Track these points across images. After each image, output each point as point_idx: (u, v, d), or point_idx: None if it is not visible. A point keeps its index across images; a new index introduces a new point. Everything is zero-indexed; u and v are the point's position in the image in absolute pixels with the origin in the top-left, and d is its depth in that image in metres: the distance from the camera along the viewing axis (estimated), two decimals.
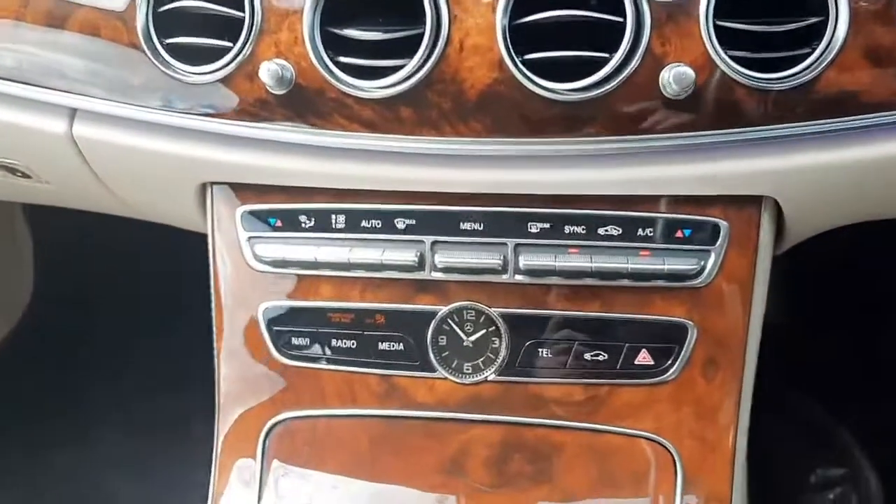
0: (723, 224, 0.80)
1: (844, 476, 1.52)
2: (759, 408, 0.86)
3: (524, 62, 0.72)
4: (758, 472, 0.88)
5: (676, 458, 0.81)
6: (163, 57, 0.78)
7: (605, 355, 0.81)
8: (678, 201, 0.80)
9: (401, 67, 0.73)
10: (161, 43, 0.78)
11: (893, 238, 1.22)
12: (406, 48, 0.73)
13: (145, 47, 0.78)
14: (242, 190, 0.86)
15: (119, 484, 1.61)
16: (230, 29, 0.76)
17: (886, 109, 0.72)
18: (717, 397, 0.82)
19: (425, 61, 0.73)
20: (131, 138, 0.83)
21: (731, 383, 0.82)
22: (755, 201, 0.80)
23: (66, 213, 1.11)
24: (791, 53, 0.71)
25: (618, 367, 0.81)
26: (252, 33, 0.75)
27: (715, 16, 0.70)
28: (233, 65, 0.76)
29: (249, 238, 0.86)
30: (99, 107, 0.82)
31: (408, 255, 0.81)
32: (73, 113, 0.84)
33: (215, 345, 0.89)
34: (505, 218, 0.81)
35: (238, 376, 0.87)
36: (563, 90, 0.72)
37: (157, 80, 0.79)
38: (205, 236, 0.90)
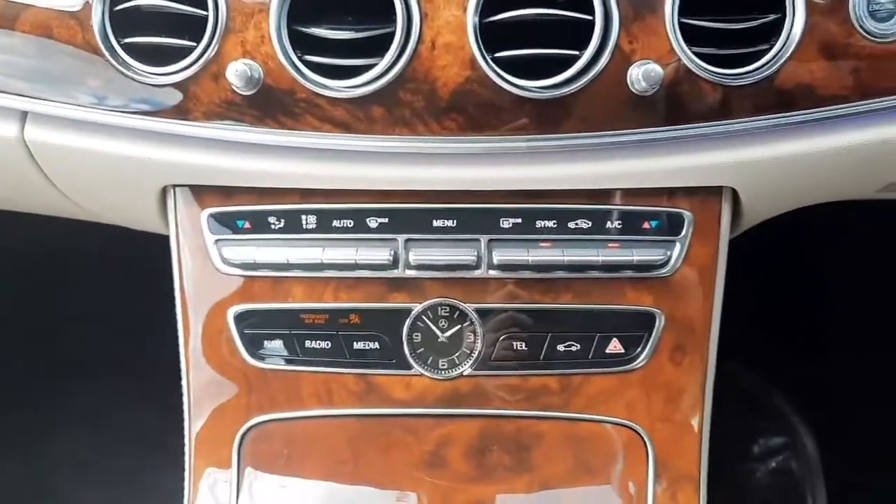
0: (687, 215, 0.82)
1: (785, 444, 1.60)
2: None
3: (496, 60, 0.72)
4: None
5: (648, 442, 0.83)
6: (121, 58, 0.75)
7: (578, 345, 0.83)
8: (645, 194, 0.82)
9: (372, 66, 0.73)
10: (119, 43, 0.75)
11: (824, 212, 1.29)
12: (377, 47, 0.72)
13: (102, 48, 0.75)
14: (207, 192, 0.84)
15: (88, 492, 1.57)
16: (193, 28, 0.74)
17: (840, 102, 0.76)
18: (684, 381, 0.85)
19: (397, 60, 0.73)
20: (88, 141, 0.80)
21: (697, 367, 0.85)
22: (716, 191, 0.83)
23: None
24: (752, 49, 0.74)
25: (590, 356, 0.83)
26: (217, 32, 0.74)
27: (680, 14, 0.72)
28: (197, 65, 0.74)
29: (217, 241, 0.84)
30: (53, 110, 0.79)
31: (381, 254, 0.81)
32: (24, 116, 0.81)
33: (182, 350, 0.87)
34: (477, 214, 0.81)
35: (208, 381, 0.85)
36: (533, 87, 0.73)
37: (116, 82, 0.76)
38: (166, 238, 0.88)
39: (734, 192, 0.84)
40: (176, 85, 0.76)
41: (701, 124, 0.76)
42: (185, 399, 0.86)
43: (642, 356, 0.83)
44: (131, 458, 1.58)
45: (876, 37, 0.74)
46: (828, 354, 1.67)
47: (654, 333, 0.83)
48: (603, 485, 0.83)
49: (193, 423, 0.85)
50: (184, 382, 0.87)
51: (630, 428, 0.84)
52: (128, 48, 0.75)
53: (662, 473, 0.83)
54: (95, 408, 1.65)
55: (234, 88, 0.74)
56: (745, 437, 1.61)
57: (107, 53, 0.75)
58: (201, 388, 0.86)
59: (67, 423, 1.64)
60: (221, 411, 0.85)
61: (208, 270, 0.85)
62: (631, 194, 0.82)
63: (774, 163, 0.80)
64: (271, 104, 0.75)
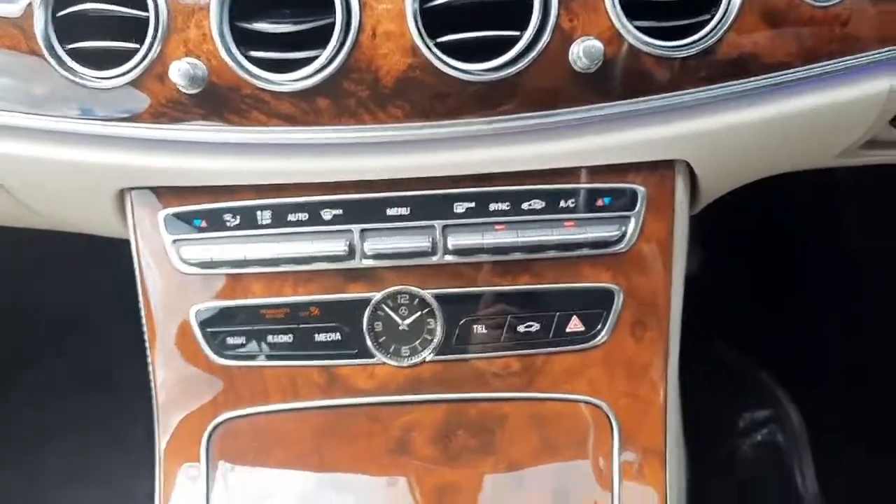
0: (640, 189, 0.83)
1: (769, 417, 1.61)
2: (685, 361, 0.90)
3: (438, 45, 0.73)
4: (691, 422, 0.92)
5: (612, 418, 0.84)
6: (66, 63, 0.75)
7: (538, 325, 0.83)
8: (597, 171, 0.82)
9: (315, 59, 0.73)
10: (63, 48, 0.75)
11: (799, 186, 1.29)
12: (318, 39, 0.73)
13: (47, 54, 0.75)
14: (163, 193, 0.85)
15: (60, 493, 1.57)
16: (136, 30, 0.74)
17: (785, 68, 0.76)
18: (646, 356, 0.85)
19: (338, 51, 0.73)
20: (38, 149, 0.80)
21: (659, 341, 0.85)
22: (669, 165, 0.83)
23: None
24: (693, 20, 0.74)
25: (550, 336, 0.83)
26: (159, 33, 0.74)
27: None
28: (141, 67, 0.75)
29: (174, 241, 0.85)
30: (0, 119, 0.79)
31: (337, 245, 0.81)
32: None
33: (149, 352, 0.87)
34: (430, 201, 0.82)
35: (175, 381, 0.86)
36: (476, 70, 0.73)
37: (63, 88, 0.77)
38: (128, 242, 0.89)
39: (689, 166, 0.84)
40: (122, 87, 0.76)
41: (647, 98, 0.76)
42: (154, 399, 0.87)
43: (603, 333, 0.84)
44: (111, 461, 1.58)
45: (817, 1, 0.75)
46: (812, 330, 1.68)
47: (613, 310, 0.84)
48: (569, 461, 0.84)
49: (162, 423, 0.86)
50: (152, 383, 0.87)
51: (594, 405, 0.84)
52: (73, 53, 0.75)
53: (627, 448, 0.83)
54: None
55: (180, 88, 0.74)
56: (729, 413, 1.62)
57: (51, 60, 0.75)
58: (169, 387, 0.86)
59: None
60: (189, 410, 0.86)
61: (168, 271, 0.85)
62: (583, 172, 0.82)
63: (725, 133, 0.80)
64: (217, 102, 0.76)
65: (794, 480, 1.51)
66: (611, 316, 0.84)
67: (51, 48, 0.75)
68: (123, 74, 0.75)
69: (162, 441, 0.86)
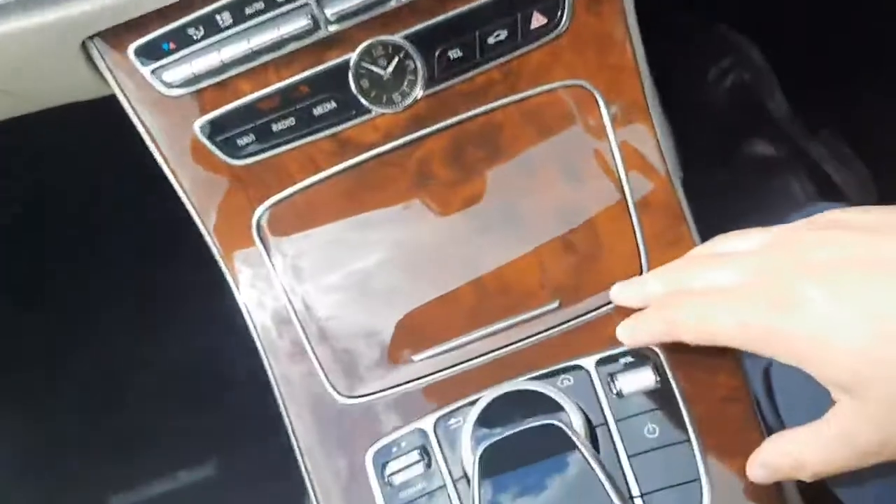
0: None
1: (733, 62, 1.69)
2: (647, 29, 0.96)
3: None
4: (661, 85, 1.00)
5: (592, 89, 0.91)
6: None
7: (506, 32, 0.89)
8: None
9: None
10: None
11: None
12: None
13: None
14: (121, 32, 0.87)
15: None
16: None
17: None
18: (608, 28, 0.91)
19: None
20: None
21: (617, 11, 0.91)
22: None
23: None
24: None
25: (519, 37, 0.89)
26: None
27: None
28: None
29: (153, 71, 0.89)
30: None
31: (300, 22, 0.85)
32: None
33: (175, 183, 0.94)
34: None
35: (204, 190, 0.93)
36: None
37: None
38: None
39: None
40: None
41: None
42: (189, 208, 0.94)
43: (564, 18, 0.90)
44: None
45: None
46: None
47: None
48: (565, 136, 0.92)
49: (206, 221, 0.93)
50: (188, 204, 0.94)
51: (574, 85, 0.92)
52: None
53: (612, 108, 0.92)
54: None
55: None
56: (694, 70, 1.70)
57: None
58: (200, 195, 0.93)
59: None
60: (226, 210, 0.93)
61: (157, 100, 0.90)
62: None
63: None
64: None
65: (766, 108, 1.63)
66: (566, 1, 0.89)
67: None
68: None
69: (212, 232, 0.94)
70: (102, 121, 1.08)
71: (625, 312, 0.88)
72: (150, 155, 0.95)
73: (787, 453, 0.72)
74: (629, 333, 0.85)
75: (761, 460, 0.73)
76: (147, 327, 1.94)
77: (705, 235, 0.92)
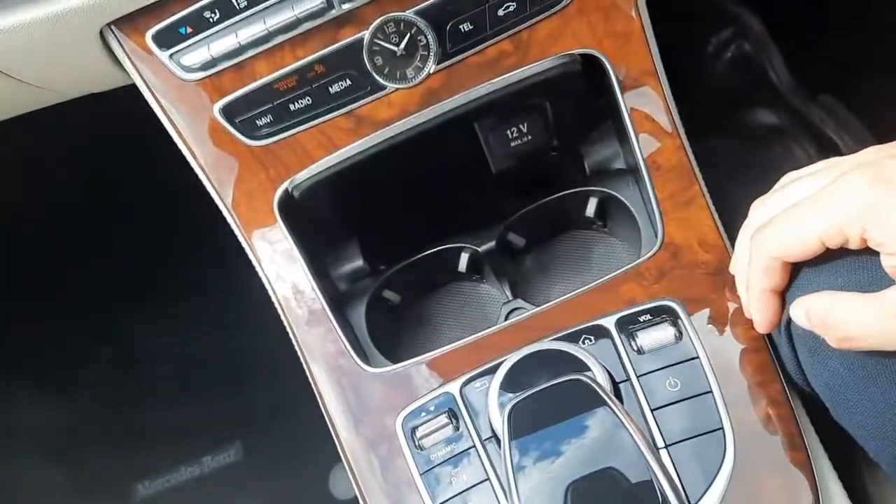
0: None
1: (734, 32, 1.71)
2: (649, 4, 0.97)
3: None
4: (662, 56, 1.01)
5: (602, 58, 0.93)
6: None
7: (515, 2, 0.91)
8: None
9: None
10: None
11: None
12: None
13: None
14: (139, 17, 0.89)
15: None
16: None
17: None
18: None
19: None
20: (15, 18, 0.84)
21: None
22: None
23: None
24: None
25: (528, 8, 0.91)
26: None
27: None
28: None
29: (171, 56, 0.91)
30: None
31: (315, 1, 0.87)
32: None
33: (195, 165, 0.96)
34: None
35: (227, 173, 0.95)
36: None
37: None
38: None
39: None
40: None
41: None
42: (210, 189, 0.96)
43: None
44: None
45: None
46: None
47: None
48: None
49: (226, 200, 0.95)
50: (204, 179, 0.96)
51: (584, 54, 0.93)
52: None
53: (624, 79, 0.93)
54: None
55: None
56: (699, 41, 1.72)
57: None
58: (220, 175, 0.95)
59: None
60: (247, 190, 0.95)
61: (176, 85, 0.92)
62: None
63: None
64: None
65: (767, 76, 1.64)
66: None
67: None
68: None
69: (231, 209, 0.95)
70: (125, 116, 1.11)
71: (638, 274, 0.90)
72: (169, 150, 0.96)
73: (831, 305, 0.72)
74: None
75: (808, 303, 0.74)
76: (163, 322, 1.97)
77: (713, 202, 0.94)
